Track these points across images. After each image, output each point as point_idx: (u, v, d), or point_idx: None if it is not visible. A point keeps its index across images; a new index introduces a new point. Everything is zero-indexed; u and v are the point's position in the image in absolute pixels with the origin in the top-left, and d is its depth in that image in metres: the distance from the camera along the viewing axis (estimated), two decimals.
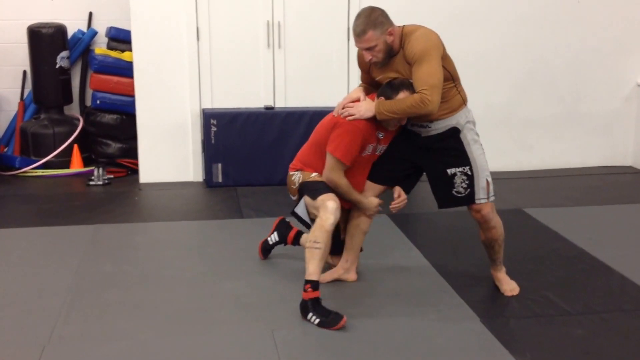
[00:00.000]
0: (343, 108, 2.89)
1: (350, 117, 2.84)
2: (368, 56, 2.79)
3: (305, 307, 2.74)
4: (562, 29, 5.18)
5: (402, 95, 2.78)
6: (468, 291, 3.07)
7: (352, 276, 3.16)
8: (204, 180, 4.95)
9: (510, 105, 5.25)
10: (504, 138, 5.28)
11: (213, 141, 4.79)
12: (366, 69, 2.99)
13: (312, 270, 2.73)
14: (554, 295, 3.05)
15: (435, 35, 2.81)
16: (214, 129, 4.78)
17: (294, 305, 2.90)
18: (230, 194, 4.68)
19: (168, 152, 4.94)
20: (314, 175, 2.97)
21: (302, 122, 4.84)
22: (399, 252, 3.56)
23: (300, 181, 2.99)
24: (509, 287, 3.05)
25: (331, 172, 2.90)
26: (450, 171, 2.90)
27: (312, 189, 2.90)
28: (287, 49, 4.93)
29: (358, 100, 2.91)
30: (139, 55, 4.82)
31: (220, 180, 4.84)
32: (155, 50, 4.81)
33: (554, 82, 5.26)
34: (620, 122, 5.39)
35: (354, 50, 4.97)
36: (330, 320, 2.69)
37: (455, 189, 2.91)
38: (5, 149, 5.40)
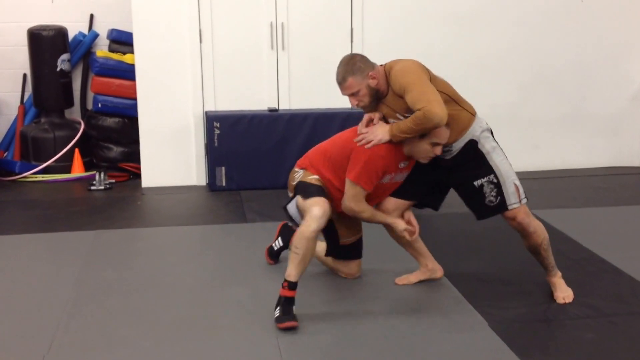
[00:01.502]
0: (359, 134, 2.88)
1: (369, 145, 2.83)
2: (354, 102, 2.85)
3: (278, 301, 2.78)
4: (567, 29, 5.15)
5: None
6: (475, 295, 3.05)
7: (439, 273, 3.21)
8: (207, 184, 4.95)
9: (516, 105, 5.22)
10: (509, 138, 5.20)
11: (216, 144, 4.78)
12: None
13: (290, 272, 2.77)
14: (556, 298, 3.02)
15: (415, 63, 2.86)
16: (217, 131, 4.78)
17: (300, 312, 2.88)
18: (234, 197, 4.67)
19: (171, 155, 4.93)
20: (313, 178, 2.97)
21: (306, 125, 4.83)
22: (404, 256, 3.53)
23: (299, 179, 2.99)
24: (563, 294, 3.01)
25: (351, 201, 2.88)
26: (477, 183, 2.92)
27: (306, 190, 2.90)
28: (291, 51, 4.92)
29: (372, 121, 2.91)
30: (141, 58, 4.81)
31: (223, 184, 4.83)
32: (158, 52, 4.80)
33: (560, 83, 5.24)
34: (626, 123, 5.36)
35: (357, 51, 5.02)
36: (283, 318, 2.72)
37: (487, 199, 2.93)
38: (5, 154, 5.40)
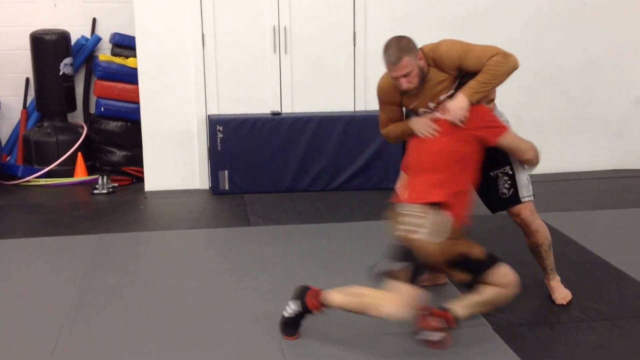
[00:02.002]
0: (432, 122, 2.78)
1: (462, 118, 2.71)
2: (405, 84, 2.76)
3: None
4: (572, 31, 5.16)
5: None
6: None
7: (442, 279, 3.20)
8: (210, 187, 4.96)
9: (520, 108, 5.22)
10: None
11: (219, 148, 4.80)
12: (397, 101, 2.94)
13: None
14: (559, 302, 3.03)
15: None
16: (220, 135, 4.79)
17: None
18: (237, 201, 4.69)
19: (174, 159, 4.95)
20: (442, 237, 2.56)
21: (309, 128, 4.85)
22: None
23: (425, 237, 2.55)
24: (561, 295, 3.02)
25: (531, 145, 2.90)
26: (492, 174, 2.94)
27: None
28: (294, 54, 4.94)
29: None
30: (144, 62, 4.83)
31: (226, 187, 4.84)
32: (160, 56, 4.82)
33: (564, 85, 5.24)
34: (631, 125, 5.36)
35: (360, 55, 5.05)
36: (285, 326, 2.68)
37: (500, 191, 2.94)
38: (8, 158, 5.42)
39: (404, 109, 3.02)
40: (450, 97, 2.81)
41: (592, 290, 3.15)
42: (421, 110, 2.90)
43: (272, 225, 4.15)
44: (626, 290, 3.16)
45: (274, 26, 4.88)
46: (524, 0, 5.09)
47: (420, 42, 5.13)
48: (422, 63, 2.78)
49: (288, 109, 4.98)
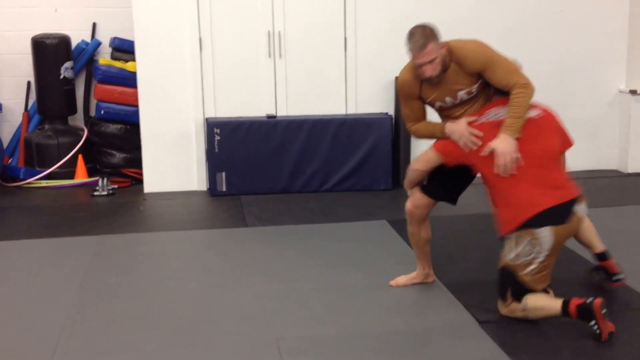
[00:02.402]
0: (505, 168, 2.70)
1: (511, 165, 2.69)
2: (429, 71, 2.75)
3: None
4: (547, 38, 5.22)
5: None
6: (466, 296, 3.06)
7: (431, 278, 3.21)
8: (208, 189, 4.96)
9: None
10: None
11: (217, 150, 4.80)
12: (416, 95, 2.91)
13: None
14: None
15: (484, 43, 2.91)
16: (217, 137, 4.79)
17: (299, 314, 2.91)
18: (234, 202, 4.69)
19: (172, 161, 4.94)
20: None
21: (303, 131, 4.85)
22: (396, 257, 3.56)
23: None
24: None
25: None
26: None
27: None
28: (288, 59, 4.94)
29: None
30: (143, 66, 4.82)
31: (224, 189, 4.84)
32: (159, 60, 4.82)
33: (540, 90, 5.10)
34: (604, 127, 5.43)
35: (351, 60, 5.05)
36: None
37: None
38: (10, 160, 5.40)
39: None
40: (470, 95, 2.84)
41: (570, 286, 3.15)
42: (437, 104, 2.91)
43: (268, 226, 4.16)
44: (601, 286, 3.15)
45: (268, 31, 4.88)
46: (504, 8, 5.14)
47: (403, 46, 5.19)
48: (444, 52, 2.78)
49: (283, 112, 4.98)
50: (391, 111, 5.06)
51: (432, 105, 2.96)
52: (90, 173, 5.23)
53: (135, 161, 5.17)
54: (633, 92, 5.32)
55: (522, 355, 2.57)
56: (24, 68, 5.38)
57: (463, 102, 2.90)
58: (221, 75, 4.90)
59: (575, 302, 2.65)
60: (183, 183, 4.98)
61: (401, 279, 3.20)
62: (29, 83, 5.43)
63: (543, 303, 2.72)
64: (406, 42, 2.79)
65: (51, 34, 5.21)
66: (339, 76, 5.01)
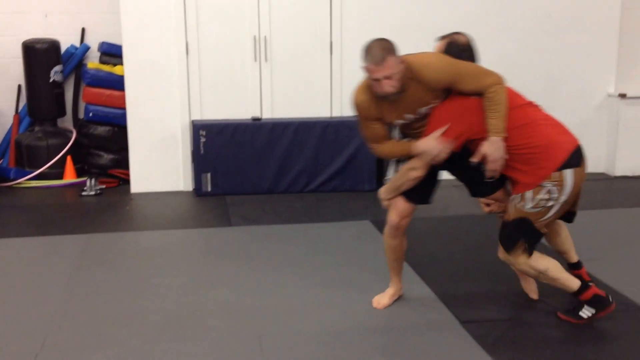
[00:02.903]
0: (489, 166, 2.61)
1: (498, 167, 2.62)
2: (386, 86, 2.53)
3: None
4: (535, 41, 5.23)
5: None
6: (449, 295, 3.07)
7: (401, 291, 3.07)
8: (193, 189, 4.96)
9: None
10: None
11: (202, 151, 4.80)
12: (374, 116, 2.67)
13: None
14: (530, 298, 3.06)
15: (441, 54, 2.75)
16: (203, 139, 4.79)
17: (282, 311, 2.91)
18: (219, 202, 4.69)
19: (159, 162, 4.94)
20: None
21: (287, 133, 4.87)
22: (378, 258, 3.56)
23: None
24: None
25: None
26: (473, 160, 2.69)
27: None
28: (273, 63, 4.96)
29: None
30: (130, 69, 4.82)
31: (209, 189, 4.84)
32: (146, 64, 4.81)
33: (528, 93, 5.19)
34: (592, 131, 5.44)
35: (336, 64, 5.08)
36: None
37: (486, 176, 2.77)
38: (1, 161, 5.37)
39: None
40: (431, 109, 2.64)
41: (555, 291, 3.18)
42: (397, 122, 2.70)
43: (253, 226, 4.16)
44: None
45: (254, 36, 4.89)
46: (492, 12, 5.15)
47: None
48: (403, 67, 2.57)
49: (268, 114, 4.99)
50: None
51: (390, 123, 2.74)
52: (79, 173, 5.21)
53: (123, 162, 5.16)
54: (622, 95, 5.30)
55: (502, 352, 2.57)
56: (15, 72, 5.35)
57: (424, 116, 2.69)
58: (207, 78, 4.90)
59: (595, 290, 2.73)
60: (169, 183, 4.97)
61: (384, 299, 2.97)
62: (19, 86, 5.40)
63: (562, 275, 2.73)
64: (363, 57, 2.55)
65: (41, 39, 5.19)
66: (324, 79, 5.03)
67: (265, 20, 4.88)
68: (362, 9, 4.98)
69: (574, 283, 2.75)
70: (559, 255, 3.04)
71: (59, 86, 5.26)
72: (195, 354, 2.58)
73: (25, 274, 3.38)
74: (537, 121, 2.69)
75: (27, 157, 5.17)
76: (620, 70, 5.38)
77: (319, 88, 5.03)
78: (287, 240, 3.85)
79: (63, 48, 5.33)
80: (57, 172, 5.16)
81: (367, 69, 2.56)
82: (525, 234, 2.67)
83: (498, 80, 2.66)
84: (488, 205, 2.91)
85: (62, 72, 5.28)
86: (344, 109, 5.06)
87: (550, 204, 2.62)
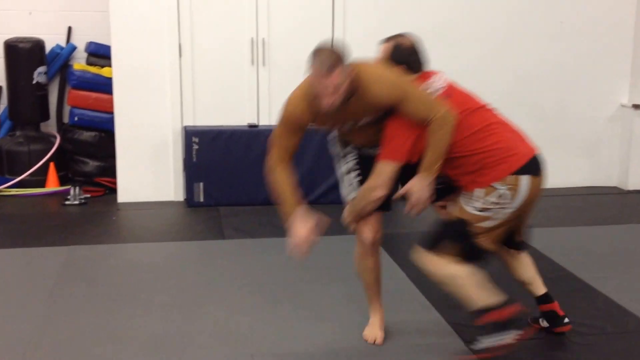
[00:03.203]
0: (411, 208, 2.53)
1: (420, 209, 2.55)
2: (329, 99, 2.40)
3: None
4: (545, 49, 5.26)
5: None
6: (451, 313, 3.05)
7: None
8: (185, 199, 4.94)
9: None
10: None
11: (195, 159, 4.79)
12: (304, 128, 2.59)
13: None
14: (538, 318, 3.06)
15: (385, 67, 2.63)
16: (195, 147, 4.79)
17: (274, 329, 2.90)
18: (211, 214, 4.67)
19: (148, 170, 4.93)
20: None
21: None
22: (383, 273, 3.55)
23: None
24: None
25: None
26: (396, 197, 2.67)
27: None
28: (272, 67, 4.96)
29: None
30: (119, 71, 4.82)
31: (201, 199, 4.83)
32: (136, 66, 4.81)
33: (537, 102, 5.33)
34: (604, 142, 5.46)
35: None
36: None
37: (405, 211, 2.70)
38: None
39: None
40: (371, 124, 2.56)
41: (563, 307, 3.17)
42: (334, 128, 2.66)
43: (247, 239, 4.15)
44: (597, 307, 3.20)
45: (252, 38, 4.90)
46: (500, 18, 5.17)
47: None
48: (350, 78, 2.44)
49: (265, 121, 4.99)
50: None
51: (325, 129, 2.68)
52: (62, 181, 5.19)
53: (110, 170, 5.15)
54: (636, 106, 5.31)
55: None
56: None
57: (365, 125, 2.59)
58: (201, 82, 4.91)
59: (514, 310, 2.52)
60: (159, 193, 4.96)
61: (377, 332, 2.84)
62: (0, 88, 5.39)
63: (470, 287, 2.52)
64: (310, 61, 2.43)
65: (25, 38, 5.19)
66: None
67: (264, 22, 4.89)
68: (366, 10, 5.00)
69: (480, 299, 2.51)
70: (522, 287, 2.87)
71: (42, 88, 5.26)
72: None
73: (3, 288, 3.37)
74: (492, 125, 2.60)
75: (7, 163, 5.16)
76: (634, 80, 5.40)
77: None
78: (283, 255, 3.80)
79: (48, 48, 5.33)
80: (38, 179, 5.14)
81: (312, 78, 2.43)
82: (455, 235, 2.53)
83: (447, 112, 2.50)
84: (444, 207, 2.76)
85: (46, 73, 5.28)
86: None
87: (497, 208, 2.50)
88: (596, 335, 2.92)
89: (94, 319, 3.01)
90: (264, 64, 4.95)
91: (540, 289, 2.87)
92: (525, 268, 2.87)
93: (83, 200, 4.86)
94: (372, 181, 2.59)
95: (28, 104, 5.21)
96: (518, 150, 2.57)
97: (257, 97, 4.98)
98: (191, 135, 4.78)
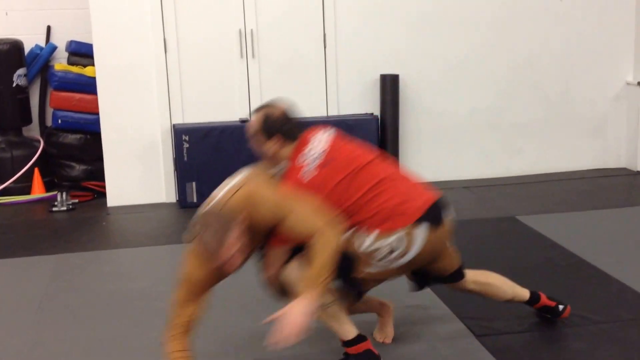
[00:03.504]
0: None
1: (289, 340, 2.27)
2: (232, 264, 2.33)
3: None
4: (547, 28, 5.23)
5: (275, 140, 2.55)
6: (461, 306, 3.05)
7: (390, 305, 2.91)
8: (177, 200, 4.91)
9: (496, 109, 5.28)
10: (491, 143, 5.31)
11: (186, 158, 4.76)
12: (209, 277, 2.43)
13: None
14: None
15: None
16: (186, 145, 4.75)
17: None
18: None
19: (137, 172, 4.90)
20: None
21: None
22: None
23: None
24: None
25: None
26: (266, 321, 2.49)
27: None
28: (261, 59, 4.93)
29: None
30: (102, 70, 4.78)
31: (194, 200, 4.80)
32: (120, 64, 4.78)
33: (541, 84, 5.31)
34: (611, 123, 5.44)
35: (331, 58, 5.06)
36: None
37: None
38: None
39: None
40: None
41: (577, 295, 3.17)
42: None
43: None
44: (610, 294, 3.19)
45: (239, 30, 4.87)
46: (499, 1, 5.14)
47: (390, 44, 5.22)
48: (244, 239, 2.33)
49: None
50: (376, 111, 5.06)
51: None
52: (48, 187, 5.16)
53: (97, 173, 5.11)
54: None
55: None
56: None
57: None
58: (189, 78, 4.87)
59: (367, 346, 2.49)
60: (150, 195, 4.93)
61: (389, 330, 2.83)
62: None
63: (339, 324, 2.50)
64: (198, 229, 2.31)
65: (2, 39, 5.16)
66: (318, 75, 5.01)
67: (251, 12, 4.86)
68: None
69: (347, 332, 2.49)
70: (511, 303, 2.84)
71: (23, 91, 5.22)
72: None
73: None
74: (383, 182, 2.47)
75: None
76: (639, 57, 5.36)
77: (313, 85, 5.01)
78: None
79: (27, 49, 5.29)
80: (23, 186, 5.12)
81: (205, 253, 2.30)
82: (340, 269, 2.38)
83: (329, 226, 2.35)
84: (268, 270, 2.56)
85: (26, 75, 5.24)
86: (341, 106, 5.05)
87: (388, 256, 2.42)
88: (611, 322, 2.90)
89: (85, 330, 2.98)
90: (253, 56, 4.91)
91: (524, 295, 2.82)
92: (498, 289, 2.77)
93: (71, 206, 4.83)
94: (266, 264, 2.54)
95: (8, 108, 5.17)
96: (414, 202, 2.46)
97: (248, 91, 4.95)
98: (181, 133, 4.75)
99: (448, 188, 5.06)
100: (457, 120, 5.21)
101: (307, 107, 4.98)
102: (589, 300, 3.11)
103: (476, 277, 2.75)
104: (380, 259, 2.44)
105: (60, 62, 5.33)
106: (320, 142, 2.55)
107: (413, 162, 5.14)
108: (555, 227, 4.09)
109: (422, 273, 2.66)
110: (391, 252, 2.43)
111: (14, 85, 5.14)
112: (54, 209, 4.80)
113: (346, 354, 2.55)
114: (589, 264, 3.51)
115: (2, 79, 5.11)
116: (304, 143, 2.55)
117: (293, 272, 2.49)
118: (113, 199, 4.90)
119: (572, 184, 5.12)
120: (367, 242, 2.43)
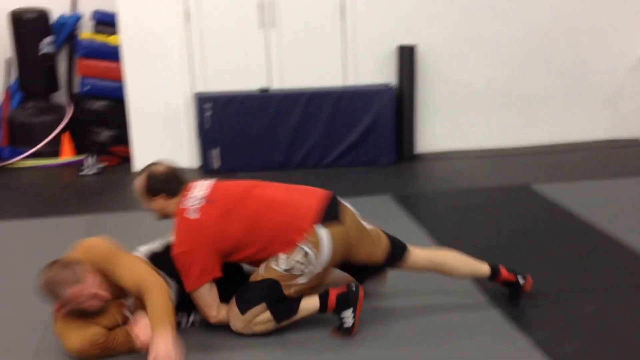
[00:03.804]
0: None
1: None
2: (96, 302, 2.47)
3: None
4: (559, 0, 5.15)
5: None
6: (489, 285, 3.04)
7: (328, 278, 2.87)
8: (201, 166, 4.97)
9: (512, 79, 5.25)
10: (507, 113, 5.30)
11: (208, 125, 4.80)
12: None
13: None
14: (564, 272, 3.08)
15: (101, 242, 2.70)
16: (208, 112, 4.79)
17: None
18: (229, 179, 4.68)
19: (162, 138, 4.95)
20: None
21: (299, 104, 4.85)
22: (401, 233, 3.57)
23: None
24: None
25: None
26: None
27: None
28: (281, 29, 4.92)
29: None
30: (126, 39, 4.81)
31: (218, 165, 4.85)
32: (143, 32, 4.80)
33: (555, 55, 5.26)
34: (625, 94, 5.40)
35: (350, 28, 5.03)
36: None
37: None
38: None
39: None
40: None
41: (589, 260, 3.20)
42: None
43: None
44: (622, 260, 3.21)
45: None
46: None
47: (409, 15, 5.16)
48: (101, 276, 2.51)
49: (277, 85, 4.98)
50: (393, 82, 5.06)
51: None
52: (77, 151, 5.22)
53: (123, 138, 5.17)
54: None
55: (534, 328, 2.60)
56: (3, 44, 5.35)
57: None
58: (210, 47, 4.88)
59: (333, 294, 2.57)
60: (174, 160, 4.95)
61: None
62: (9, 60, 5.40)
63: (303, 305, 2.58)
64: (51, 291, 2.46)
65: (29, 8, 5.18)
66: (336, 45, 5.00)
67: None
68: None
69: (315, 301, 2.58)
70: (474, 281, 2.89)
71: (50, 59, 5.26)
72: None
73: (22, 258, 3.42)
74: (261, 211, 2.55)
75: (21, 135, 5.19)
76: None
77: (332, 55, 5.00)
78: None
79: (53, 18, 5.31)
80: (53, 150, 5.19)
81: (66, 298, 2.44)
82: (270, 297, 2.53)
83: (158, 282, 2.49)
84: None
85: (53, 43, 5.27)
86: (359, 77, 5.04)
87: (306, 268, 2.52)
88: (623, 287, 2.94)
89: None
90: (273, 25, 4.91)
91: (484, 271, 2.79)
92: (454, 268, 2.77)
93: (99, 170, 4.89)
94: (203, 306, 2.59)
95: (37, 75, 5.23)
96: (302, 210, 2.55)
97: (267, 60, 4.95)
98: (203, 101, 4.78)
99: (464, 157, 5.08)
100: (472, 91, 5.19)
101: (324, 77, 5.02)
102: (601, 267, 3.14)
103: (430, 256, 2.77)
104: (302, 272, 2.53)
105: (86, 31, 5.36)
106: (201, 189, 2.66)
107: (429, 132, 5.15)
108: (568, 195, 4.10)
109: (353, 267, 2.71)
110: (307, 262, 2.52)
111: (42, 53, 5.18)
112: (83, 172, 4.88)
113: (333, 313, 2.59)
114: (602, 232, 3.53)
115: (30, 47, 5.15)
116: (187, 191, 2.65)
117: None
118: (139, 163, 4.95)
119: (586, 154, 5.11)
120: (282, 264, 2.53)
